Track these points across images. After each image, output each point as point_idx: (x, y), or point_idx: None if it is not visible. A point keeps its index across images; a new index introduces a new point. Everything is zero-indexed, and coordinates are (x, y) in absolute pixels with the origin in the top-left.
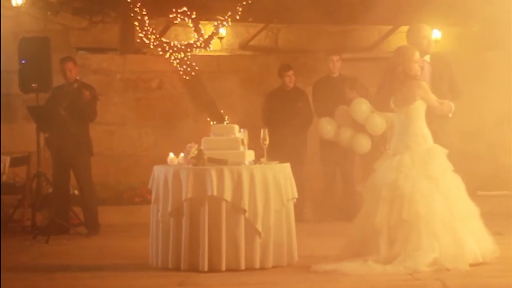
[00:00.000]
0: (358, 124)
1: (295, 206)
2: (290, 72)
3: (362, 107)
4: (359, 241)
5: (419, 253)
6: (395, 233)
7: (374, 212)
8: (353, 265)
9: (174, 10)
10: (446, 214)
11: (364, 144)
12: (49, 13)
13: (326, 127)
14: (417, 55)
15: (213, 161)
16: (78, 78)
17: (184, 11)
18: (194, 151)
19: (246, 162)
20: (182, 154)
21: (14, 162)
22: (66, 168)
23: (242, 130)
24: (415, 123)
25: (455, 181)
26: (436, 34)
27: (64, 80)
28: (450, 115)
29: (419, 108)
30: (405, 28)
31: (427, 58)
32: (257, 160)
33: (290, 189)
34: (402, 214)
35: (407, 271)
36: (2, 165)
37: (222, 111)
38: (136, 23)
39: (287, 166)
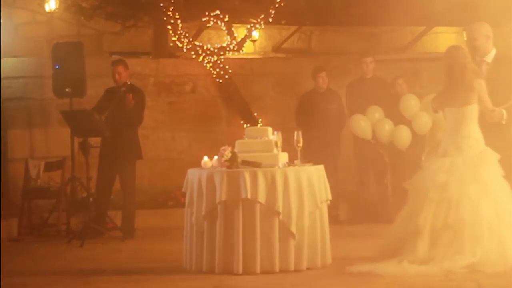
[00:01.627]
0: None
1: (329, 208)
2: (323, 74)
3: (411, 102)
4: (398, 241)
5: (459, 256)
6: (438, 236)
7: (418, 213)
8: (388, 266)
9: (206, 13)
10: (493, 219)
11: (405, 136)
12: (82, 18)
13: (359, 123)
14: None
15: (247, 163)
16: (128, 82)
17: (217, 14)
18: (228, 154)
19: (280, 165)
20: (216, 157)
21: (49, 167)
22: (112, 172)
23: (275, 132)
24: (469, 125)
25: (504, 186)
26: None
27: (114, 83)
28: (504, 122)
29: (475, 110)
30: (438, 29)
31: (488, 58)
32: (290, 162)
33: (324, 191)
34: (448, 218)
35: (442, 272)
36: (36, 170)
37: (255, 114)
38: (169, 27)
39: (321, 168)
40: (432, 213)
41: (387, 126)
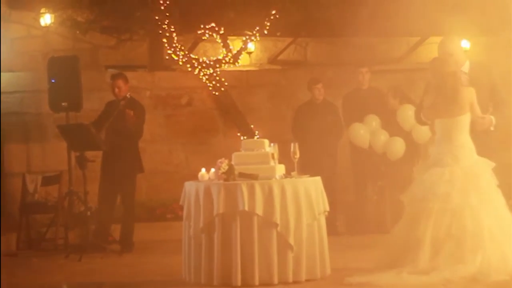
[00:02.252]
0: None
1: (327, 219)
2: (319, 85)
3: (408, 113)
4: (397, 252)
5: (460, 266)
6: (440, 246)
7: (417, 224)
8: (387, 276)
9: (202, 26)
10: (494, 228)
11: (398, 148)
12: (77, 32)
13: (359, 131)
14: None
15: (244, 176)
16: (128, 95)
17: (212, 27)
18: (224, 166)
19: (277, 176)
20: (213, 170)
21: (46, 181)
22: (113, 186)
23: (272, 144)
24: (463, 134)
25: (500, 195)
26: (464, 44)
27: (114, 96)
28: (492, 128)
29: (468, 119)
30: (434, 39)
31: (465, 68)
32: (287, 174)
33: (322, 202)
34: (451, 228)
35: (442, 282)
36: (33, 184)
37: (252, 126)
38: (165, 40)
39: (318, 179)
40: (432, 223)
41: (383, 136)
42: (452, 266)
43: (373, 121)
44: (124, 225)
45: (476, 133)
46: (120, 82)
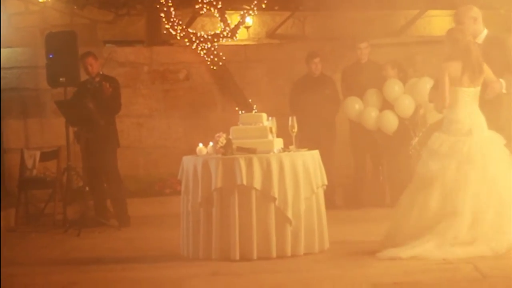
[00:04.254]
0: (387, 107)
1: (325, 193)
2: (317, 59)
3: (395, 87)
4: (416, 224)
5: (502, 236)
6: (479, 216)
7: (453, 193)
8: (429, 249)
9: (199, 0)
10: None
11: (391, 121)
12: (75, 7)
13: (354, 106)
14: None
15: (242, 150)
16: (100, 72)
17: (210, 1)
18: (222, 140)
19: (275, 150)
20: (211, 144)
21: (44, 157)
22: (95, 161)
23: (270, 118)
24: (477, 104)
25: None
26: None
27: (87, 75)
28: (504, 91)
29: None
30: (432, 12)
31: (479, 40)
32: (286, 148)
33: (320, 176)
34: (490, 198)
35: (488, 252)
36: (32, 160)
37: (250, 100)
38: (162, 15)
39: (316, 153)
40: (471, 193)
41: (373, 113)
42: (494, 236)
43: (374, 95)
44: (114, 200)
45: (486, 102)
46: (91, 59)
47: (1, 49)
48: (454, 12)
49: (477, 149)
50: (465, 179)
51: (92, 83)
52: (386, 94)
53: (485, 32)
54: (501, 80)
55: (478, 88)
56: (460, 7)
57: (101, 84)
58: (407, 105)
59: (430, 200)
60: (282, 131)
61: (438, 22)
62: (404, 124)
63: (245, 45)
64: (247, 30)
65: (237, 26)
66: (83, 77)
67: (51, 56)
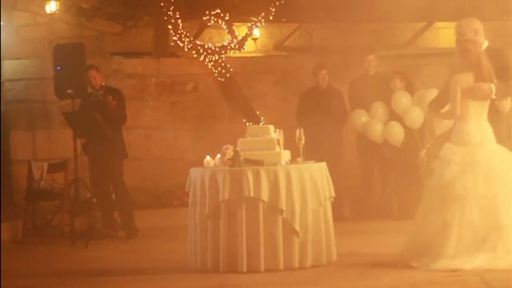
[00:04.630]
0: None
1: (333, 205)
2: (323, 71)
3: (403, 99)
4: (434, 237)
5: None
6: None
7: (495, 205)
8: (474, 260)
9: (207, 12)
10: None
11: (397, 133)
12: (83, 19)
13: (360, 118)
14: None
15: (249, 162)
16: (103, 84)
17: (218, 13)
18: (230, 152)
19: (282, 162)
20: (218, 156)
21: (52, 168)
22: (102, 173)
23: (277, 130)
24: (486, 117)
25: None
26: None
27: (90, 87)
28: (494, 96)
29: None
30: (439, 24)
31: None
32: (293, 160)
33: (327, 188)
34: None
35: None
36: (39, 172)
37: (257, 112)
38: (170, 27)
39: (323, 165)
40: (506, 207)
41: (378, 126)
42: None
43: (380, 108)
44: (121, 211)
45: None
46: (93, 72)
47: (10, 61)
48: (456, 24)
49: (495, 160)
50: (495, 191)
51: (96, 96)
52: (394, 106)
53: (486, 43)
54: (491, 85)
55: (488, 101)
56: (462, 20)
57: (105, 96)
58: (416, 116)
59: (467, 215)
60: (290, 143)
61: (445, 34)
62: (412, 135)
63: (252, 57)
64: (255, 42)
65: (244, 38)
66: (90, 89)
67: (58, 68)
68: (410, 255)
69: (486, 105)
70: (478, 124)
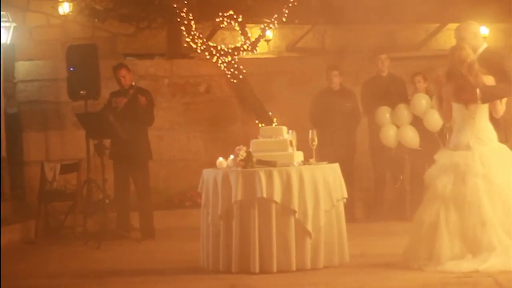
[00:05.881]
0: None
1: (345, 206)
2: (336, 72)
3: (422, 101)
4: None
5: None
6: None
7: (477, 206)
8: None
9: (220, 14)
10: None
11: (411, 136)
12: (96, 20)
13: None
14: None
15: (262, 163)
16: (133, 83)
17: (231, 14)
18: (243, 153)
19: (295, 163)
20: (231, 157)
21: (65, 169)
22: (126, 173)
23: (290, 131)
24: (485, 120)
25: None
26: (483, 30)
27: (119, 87)
28: (479, 101)
29: (487, 106)
30: (452, 25)
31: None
32: (306, 161)
33: (340, 189)
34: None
35: None
36: (52, 172)
37: (270, 113)
38: (183, 28)
39: (336, 166)
40: (486, 203)
41: (391, 131)
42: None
43: (386, 112)
44: (142, 212)
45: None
46: (124, 71)
47: (23, 62)
48: (456, 27)
49: (477, 162)
50: (477, 191)
51: (125, 95)
52: (414, 108)
53: (484, 45)
54: (477, 89)
55: (482, 104)
56: (461, 24)
57: (136, 96)
58: (436, 120)
59: (452, 215)
60: (303, 144)
61: None
62: (433, 136)
63: (265, 58)
64: (268, 43)
65: (257, 40)
66: (105, 89)
67: (72, 69)
68: (411, 257)
69: (479, 108)
70: (467, 127)
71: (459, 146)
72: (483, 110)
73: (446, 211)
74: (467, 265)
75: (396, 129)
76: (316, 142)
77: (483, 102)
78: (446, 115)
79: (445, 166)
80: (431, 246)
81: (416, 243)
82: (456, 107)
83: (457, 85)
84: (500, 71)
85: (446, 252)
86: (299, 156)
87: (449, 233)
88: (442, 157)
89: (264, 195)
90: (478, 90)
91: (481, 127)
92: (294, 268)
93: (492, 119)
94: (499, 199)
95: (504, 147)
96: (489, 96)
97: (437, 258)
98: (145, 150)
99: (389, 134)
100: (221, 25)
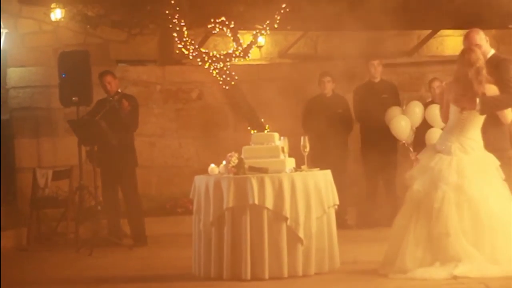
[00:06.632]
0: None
1: (337, 212)
2: (328, 79)
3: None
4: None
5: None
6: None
7: (445, 216)
8: (434, 271)
9: (212, 20)
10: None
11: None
12: (88, 26)
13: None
14: None
15: (253, 169)
16: (119, 90)
17: (223, 21)
18: (234, 160)
19: (287, 170)
20: (223, 163)
21: (57, 176)
22: (113, 180)
23: (282, 138)
24: (475, 129)
25: (507, 188)
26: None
27: (105, 93)
28: (477, 110)
29: (483, 116)
30: (444, 32)
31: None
32: (297, 167)
33: (331, 196)
34: (474, 220)
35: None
36: (44, 179)
37: (262, 120)
38: (175, 34)
39: (328, 173)
40: (454, 214)
41: (403, 122)
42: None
43: (416, 107)
44: (132, 219)
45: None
46: (110, 78)
47: (15, 68)
48: (464, 35)
49: (452, 170)
50: (446, 199)
51: (111, 102)
52: (428, 116)
53: (491, 52)
54: (477, 99)
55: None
56: (469, 33)
57: (120, 102)
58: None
59: (421, 221)
60: (294, 151)
61: (451, 42)
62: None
63: (257, 64)
64: (260, 50)
65: (249, 46)
66: (97, 96)
67: (64, 75)
68: (387, 262)
69: (473, 116)
70: (455, 131)
71: (443, 148)
72: (476, 120)
73: (417, 216)
74: (436, 272)
75: (408, 121)
76: (308, 149)
77: (482, 113)
78: (444, 115)
79: (424, 167)
80: (397, 251)
81: (391, 248)
82: (452, 109)
83: (459, 89)
84: (506, 80)
85: (410, 258)
86: (291, 162)
87: (415, 238)
88: (425, 156)
89: (256, 202)
90: (478, 100)
91: (468, 135)
92: (286, 275)
93: (498, 126)
94: (468, 211)
95: (489, 157)
96: (489, 109)
97: (402, 264)
98: (131, 157)
99: (402, 125)
100: (213, 32)
